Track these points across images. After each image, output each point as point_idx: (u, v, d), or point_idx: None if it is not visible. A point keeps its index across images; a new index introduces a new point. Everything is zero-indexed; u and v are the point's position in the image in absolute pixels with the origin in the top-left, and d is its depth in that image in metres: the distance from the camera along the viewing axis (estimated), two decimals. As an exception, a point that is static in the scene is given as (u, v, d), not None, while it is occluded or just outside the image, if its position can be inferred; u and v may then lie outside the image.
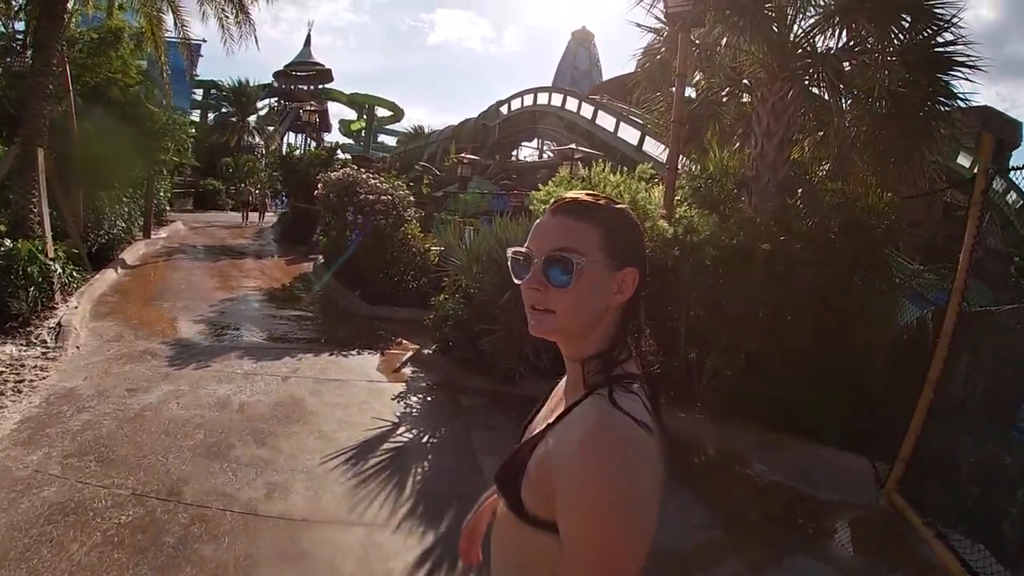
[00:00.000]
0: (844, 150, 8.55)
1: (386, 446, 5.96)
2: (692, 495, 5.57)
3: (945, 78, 7.73)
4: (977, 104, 8.01)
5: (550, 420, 1.32)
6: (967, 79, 7.61)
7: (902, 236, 7.73)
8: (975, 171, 5.94)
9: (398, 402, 7.22)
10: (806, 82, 8.40)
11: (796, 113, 8.51)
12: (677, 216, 7.90)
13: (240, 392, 6.85)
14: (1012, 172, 5.61)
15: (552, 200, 1.41)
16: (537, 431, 1.34)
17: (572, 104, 34.53)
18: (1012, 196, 22.48)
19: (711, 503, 5.55)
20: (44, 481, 4.59)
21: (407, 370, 8.45)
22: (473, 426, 6.73)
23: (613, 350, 1.33)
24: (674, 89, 8.86)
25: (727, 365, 7.39)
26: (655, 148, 21.69)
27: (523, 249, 1.35)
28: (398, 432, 6.35)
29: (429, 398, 7.55)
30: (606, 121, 30.12)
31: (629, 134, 27.55)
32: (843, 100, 8.01)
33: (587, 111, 32.27)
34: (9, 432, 5.38)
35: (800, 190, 8.78)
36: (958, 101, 7.83)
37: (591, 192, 1.40)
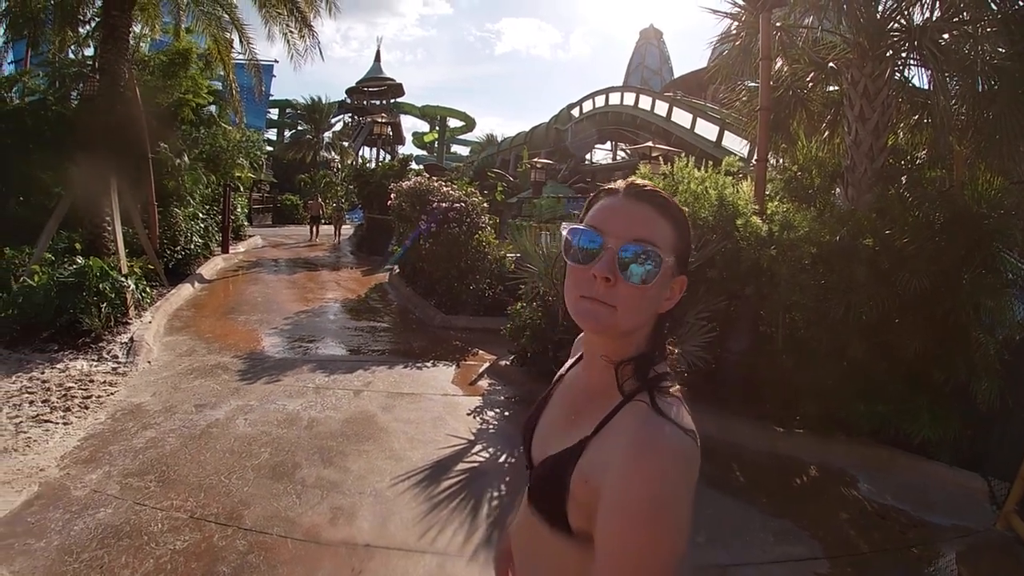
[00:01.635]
0: (943, 134, 7.82)
1: (460, 466, 5.56)
2: (793, 521, 5.11)
3: None
4: None
5: (585, 431, 1.22)
6: None
7: (1016, 226, 7.00)
8: None
9: (474, 417, 6.82)
10: (900, 61, 7.84)
11: (891, 95, 7.89)
12: (769, 212, 7.35)
13: (310, 407, 6.58)
14: None
15: (627, 183, 1.27)
16: (568, 444, 1.24)
17: (645, 103, 33.85)
18: None
19: (814, 530, 5.02)
20: (101, 502, 4.46)
21: (483, 383, 8.05)
22: None
23: (652, 353, 1.26)
24: (757, 77, 8.37)
25: (829, 374, 6.72)
26: (736, 143, 21.06)
27: (593, 228, 1.20)
28: (473, 451, 5.95)
29: (507, 413, 7.10)
30: (682, 118, 29.32)
31: (707, 130, 26.72)
32: (944, 77, 7.26)
33: (661, 109, 31.52)
34: (72, 449, 5.29)
35: (904, 178, 8.15)
36: None
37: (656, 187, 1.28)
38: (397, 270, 15.58)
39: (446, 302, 12.00)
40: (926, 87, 8.01)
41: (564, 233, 1.24)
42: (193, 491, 4.66)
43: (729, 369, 7.34)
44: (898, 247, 6.67)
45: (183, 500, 4.52)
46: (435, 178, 14.51)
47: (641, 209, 1.21)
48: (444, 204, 12.42)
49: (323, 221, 29.51)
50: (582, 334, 1.45)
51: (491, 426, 6.65)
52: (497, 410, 7.14)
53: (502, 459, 5.85)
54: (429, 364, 8.63)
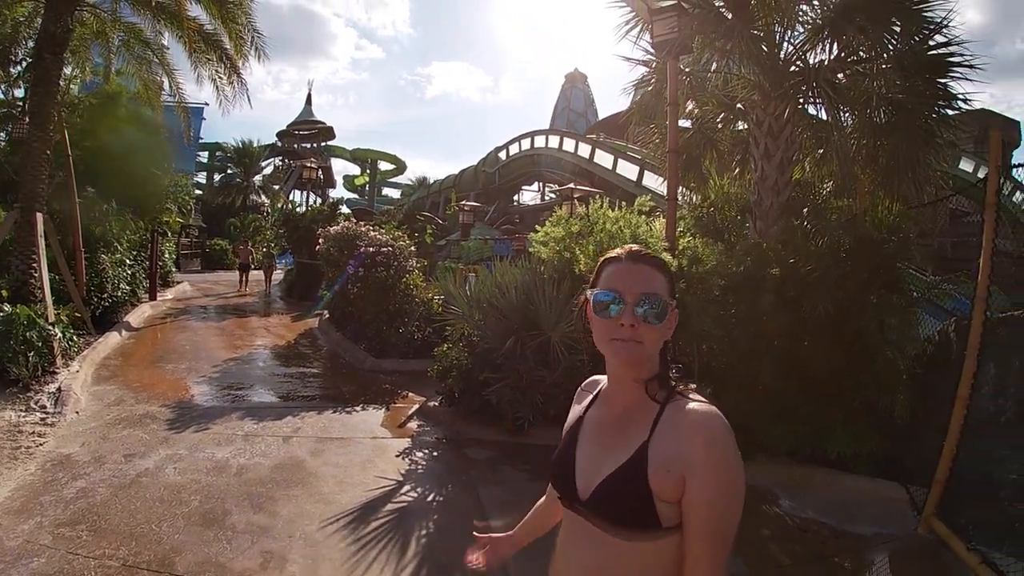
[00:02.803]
0: (845, 165, 8.15)
1: (389, 507, 5.68)
2: None
3: (943, 81, 7.49)
4: (975, 107, 7.66)
5: (641, 438, 1.51)
6: (966, 78, 7.32)
7: (915, 248, 7.44)
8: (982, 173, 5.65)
9: (403, 459, 6.94)
10: (801, 100, 8.17)
11: (794, 132, 8.29)
12: (680, 247, 7.69)
13: (239, 455, 6.61)
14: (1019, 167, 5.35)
15: (626, 250, 1.67)
16: (627, 457, 1.52)
17: (569, 145, 34.56)
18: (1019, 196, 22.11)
19: (736, 548, 5.22)
20: (34, 551, 4.44)
21: (412, 424, 8.19)
22: (481, 481, 6.45)
23: (666, 370, 1.62)
24: (668, 120, 8.65)
25: (745, 399, 6.93)
26: (654, 181, 21.68)
27: (609, 290, 1.59)
28: (402, 491, 6.08)
29: (435, 453, 7.26)
30: (604, 159, 30.11)
31: (628, 170, 27.50)
32: (841, 113, 7.72)
33: (584, 150, 32.28)
34: (2, 500, 5.25)
35: (805, 210, 8.54)
36: (959, 103, 7.55)
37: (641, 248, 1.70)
38: (327, 315, 15.59)
39: (375, 346, 12.09)
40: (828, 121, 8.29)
41: (589, 297, 1.63)
42: (125, 539, 4.67)
43: None
44: (802, 275, 6.93)
45: (115, 548, 4.53)
46: (363, 222, 14.67)
47: (643, 269, 1.60)
48: (371, 248, 12.61)
49: (253, 267, 28.54)
50: (585, 381, 1.92)
51: (420, 466, 6.79)
52: (426, 451, 7.28)
53: (430, 498, 5.99)
54: (359, 408, 8.73)
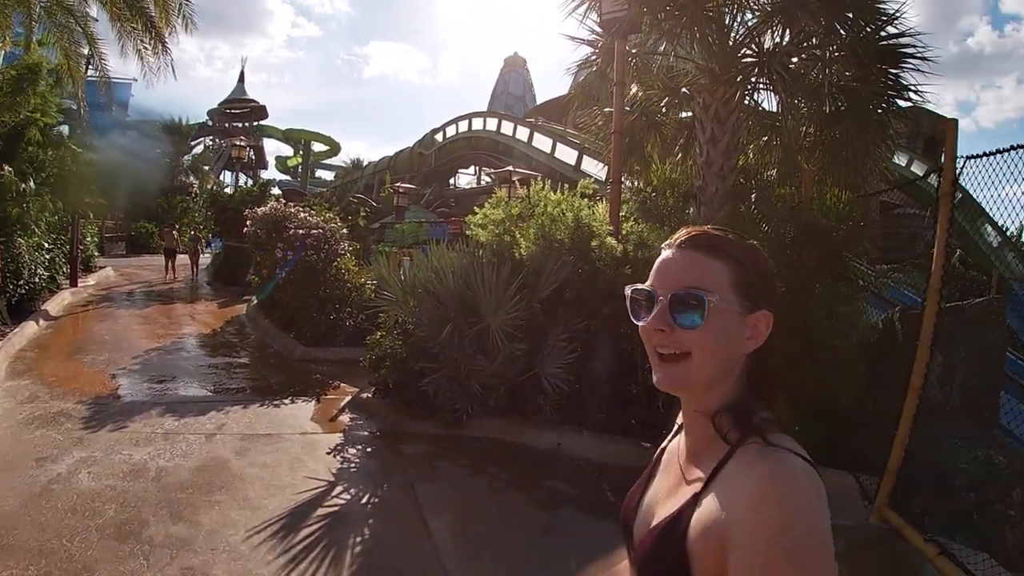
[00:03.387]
0: (792, 153, 8.17)
1: (320, 512, 5.31)
2: None
3: (895, 72, 7.42)
4: (927, 99, 7.58)
5: (695, 488, 1.18)
6: (918, 70, 7.27)
7: (864, 236, 7.41)
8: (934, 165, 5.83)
9: (334, 456, 6.57)
10: (751, 85, 8.13)
11: (740, 118, 8.18)
12: (625, 232, 7.49)
13: (158, 456, 6.17)
14: (984, 157, 5.26)
15: (682, 234, 1.29)
16: (677, 507, 1.19)
17: (508, 128, 34.46)
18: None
19: None
20: None
21: (345, 418, 7.81)
22: (418, 479, 6.12)
23: (749, 397, 1.23)
24: (612, 101, 8.52)
25: None
26: (593, 167, 21.65)
27: (644, 286, 1.26)
28: (334, 493, 5.71)
29: (369, 449, 6.91)
30: (543, 143, 30.15)
31: (566, 154, 27.63)
32: (793, 100, 7.60)
33: (523, 134, 32.22)
34: None
35: (753, 195, 8.54)
36: (910, 93, 7.47)
37: (718, 227, 1.31)
38: (255, 301, 15.05)
39: (306, 333, 11.60)
40: (775, 110, 8.32)
41: (628, 293, 1.29)
42: (34, 557, 4.27)
43: (593, 388, 7.41)
44: None
45: (23, 569, 4.14)
46: (293, 204, 14.13)
47: (687, 255, 1.23)
48: (301, 231, 12.08)
49: (179, 251, 26.93)
50: None
51: (353, 464, 6.44)
52: (359, 446, 6.93)
53: (365, 500, 5.65)
54: (287, 401, 8.33)
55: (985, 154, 5.19)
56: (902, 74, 7.38)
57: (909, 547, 5.04)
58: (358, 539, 4.94)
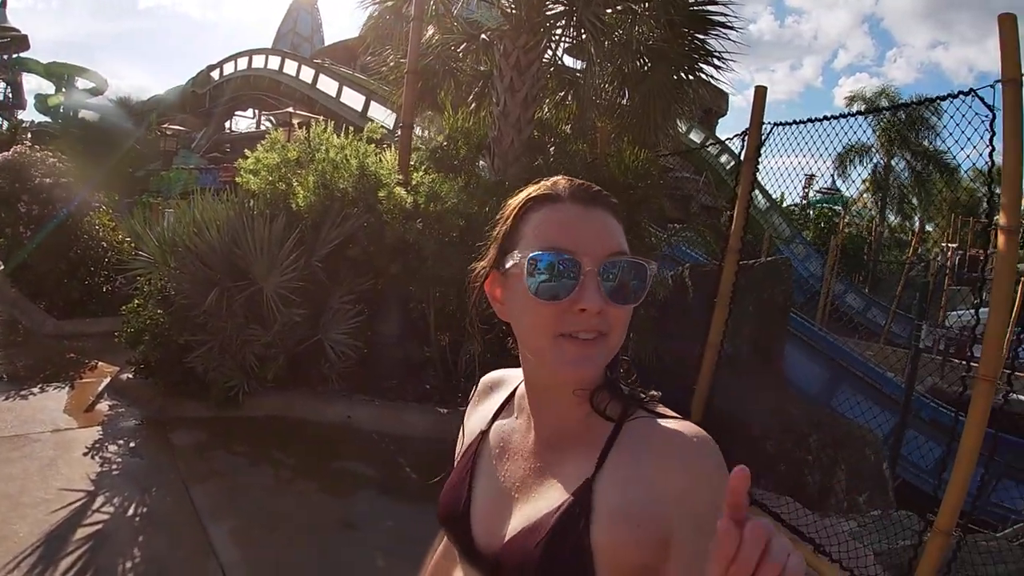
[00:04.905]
0: (588, 109, 8.24)
1: (82, 534, 4.17)
2: None
3: (702, 37, 7.61)
4: (732, 67, 7.85)
5: (582, 473, 1.01)
6: (728, 38, 7.49)
7: (663, 194, 7.46)
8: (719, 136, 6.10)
9: (93, 457, 5.32)
10: (555, 36, 8.05)
11: (542, 68, 7.99)
12: (414, 183, 6.91)
13: None
14: (783, 126, 5.72)
15: (567, 184, 1.09)
16: (555, 503, 1.01)
17: (291, 68, 32.38)
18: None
19: None
20: None
21: (103, 406, 6.50)
22: (192, 476, 5.11)
23: (618, 371, 1.11)
24: (406, 43, 7.99)
25: (491, 348, 6.51)
26: (381, 113, 20.79)
27: (551, 251, 1.00)
28: (96, 507, 4.55)
29: (133, 444, 5.69)
30: (327, 86, 28.50)
31: (353, 99, 26.27)
32: (600, 53, 7.48)
33: (307, 75, 30.38)
34: None
35: (552, 149, 8.37)
36: (714, 59, 7.67)
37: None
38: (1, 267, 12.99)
39: (58, 303, 9.97)
40: (573, 66, 8.52)
41: (521, 263, 1.02)
42: None
43: (383, 353, 7.02)
44: None
45: None
46: (43, 148, 12.26)
47: (601, 215, 1.05)
48: (48, 180, 10.38)
49: None
50: (486, 379, 1.36)
51: (115, 466, 5.26)
52: (122, 441, 5.71)
53: (132, 511, 4.59)
54: (36, 389, 6.79)
55: (794, 122, 5.58)
56: (708, 40, 7.59)
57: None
58: (128, 565, 3.96)
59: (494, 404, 1.27)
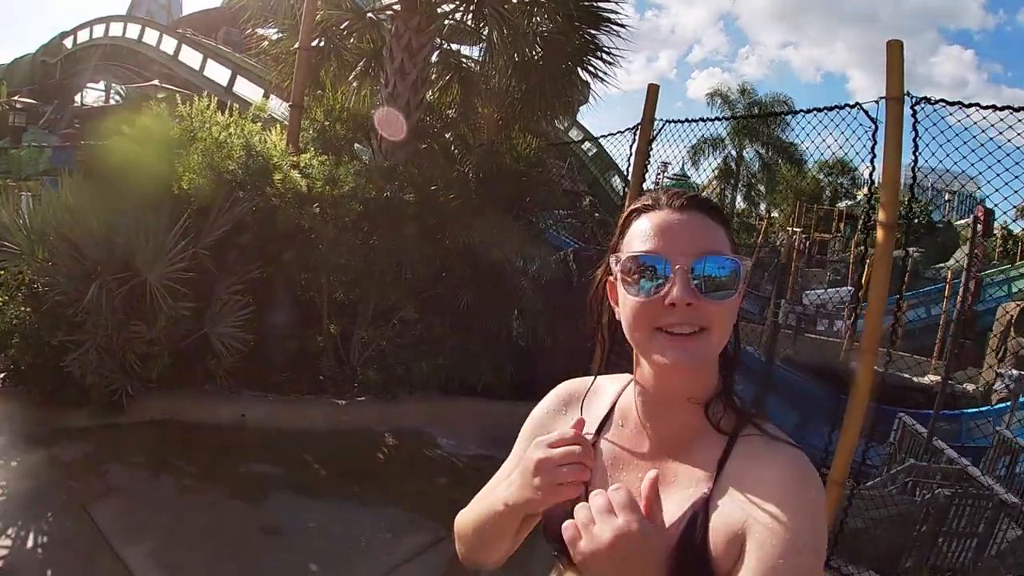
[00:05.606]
0: (472, 94, 8.39)
1: None
2: (399, 507, 4.83)
3: (593, 31, 7.80)
4: (621, 63, 8.27)
5: (701, 488, 1.08)
6: (619, 35, 7.77)
7: (552, 182, 8.06)
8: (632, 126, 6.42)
9: None
10: (449, 18, 8.05)
11: (432, 50, 7.93)
12: (303, 165, 6.65)
13: None
14: (682, 123, 6.14)
15: (667, 194, 1.16)
16: (678, 513, 1.08)
17: (151, 37, 30.26)
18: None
19: (425, 509, 4.79)
20: None
21: (-30, 424, 5.57)
22: (89, 496, 4.45)
23: (732, 379, 1.18)
24: (287, 17, 7.99)
25: (380, 336, 6.67)
26: (248, 89, 19.81)
27: (645, 251, 1.10)
28: None
29: (14, 463, 4.85)
30: (191, 58, 26.78)
31: (218, 73, 24.78)
32: (494, 39, 7.41)
33: (169, 46, 28.44)
34: None
35: (449, 135, 8.44)
36: (603, 54, 7.91)
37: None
38: None
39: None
40: (461, 52, 8.75)
41: (614, 266, 1.15)
42: None
43: (274, 346, 6.68)
44: (442, 203, 6.82)
45: None
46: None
47: (699, 218, 1.13)
48: None
49: None
50: (565, 387, 1.43)
51: None
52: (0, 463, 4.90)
53: (30, 543, 3.92)
54: None
55: (686, 120, 6.04)
56: (599, 36, 7.84)
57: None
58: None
59: (593, 414, 1.30)
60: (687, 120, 5.95)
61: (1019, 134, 3.92)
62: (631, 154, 6.39)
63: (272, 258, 6.45)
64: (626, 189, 7.00)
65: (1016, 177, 3.95)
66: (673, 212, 1.12)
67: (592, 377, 1.36)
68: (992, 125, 4.00)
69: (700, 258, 1.06)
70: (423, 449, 5.93)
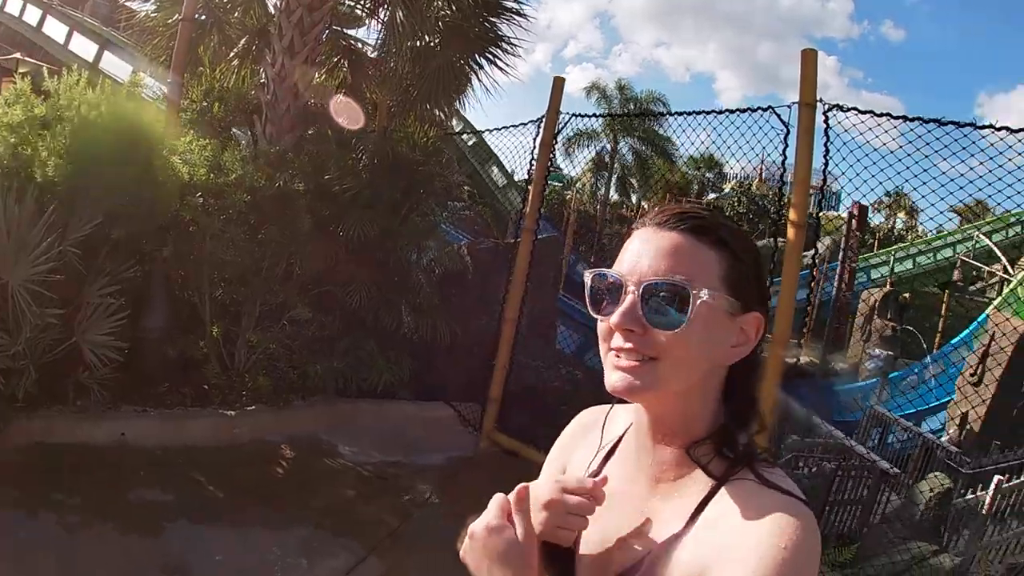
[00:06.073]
0: (359, 79, 8.22)
1: None
2: (309, 526, 4.52)
3: (493, 19, 7.79)
4: (520, 51, 8.32)
5: (670, 527, 1.01)
6: (520, 26, 7.81)
7: (450, 173, 7.97)
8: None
9: None
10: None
11: (324, 28, 7.53)
12: (181, 150, 6.05)
13: None
14: (581, 118, 6.48)
15: (657, 210, 1.08)
16: (643, 552, 1.03)
17: (14, 7, 27.81)
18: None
19: (337, 527, 4.55)
20: None
21: None
22: None
23: (730, 423, 1.04)
24: None
25: (269, 338, 6.38)
26: (116, 66, 18.46)
27: (608, 272, 1.05)
28: None
29: None
30: (55, 30, 24.48)
31: (84, 47, 22.75)
32: (397, 21, 7.27)
33: (33, 16, 26.09)
34: None
35: (344, 120, 7.76)
36: (502, 44, 7.87)
37: (705, 206, 1.14)
38: None
39: None
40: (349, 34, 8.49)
41: (587, 280, 1.08)
42: None
43: (151, 352, 6.13)
44: (336, 192, 6.61)
45: None
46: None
47: (670, 239, 1.01)
48: None
49: None
50: (591, 412, 1.34)
51: None
52: None
53: None
54: None
55: (594, 115, 6.38)
56: (499, 25, 7.82)
57: (528, 463, 5.31)
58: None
59: (602, 442, 1.25)
60: (594, 115, 6.21)
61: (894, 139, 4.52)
62: (535, 147, 6.39)
63: (148, 255, 5.93)
64: (528, 185, 6.94)
65: (873, 176, 4.52)
66: (653, 230, 1.04)
67: (610, 405, 1.26)
68: (865, 132, 4.54)
69: (651, 282, 0.98)
70: (324, 459, 5.63)
